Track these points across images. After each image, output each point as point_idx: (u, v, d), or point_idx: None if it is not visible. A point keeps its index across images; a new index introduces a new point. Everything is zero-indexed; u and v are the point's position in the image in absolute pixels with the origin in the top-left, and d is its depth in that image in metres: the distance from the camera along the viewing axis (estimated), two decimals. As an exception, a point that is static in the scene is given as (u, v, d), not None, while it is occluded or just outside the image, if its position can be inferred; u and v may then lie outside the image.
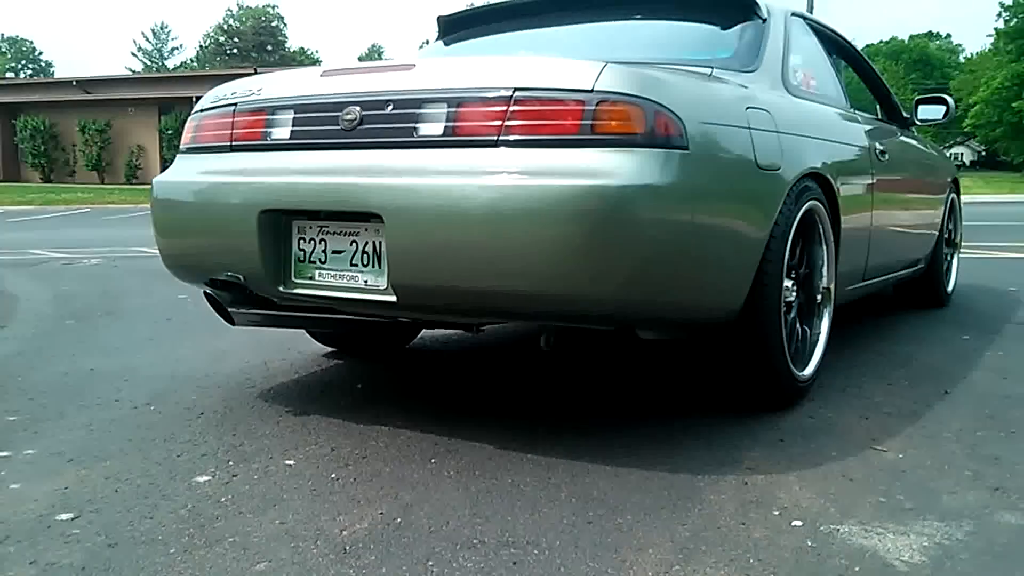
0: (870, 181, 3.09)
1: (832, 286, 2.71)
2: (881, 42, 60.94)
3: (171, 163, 2.63)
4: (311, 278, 2.25)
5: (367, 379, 2.91)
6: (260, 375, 2.94)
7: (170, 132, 26.12)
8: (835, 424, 2.38)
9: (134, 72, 46.00)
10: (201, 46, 69.33)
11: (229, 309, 2.46)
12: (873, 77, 3.92)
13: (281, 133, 2.29)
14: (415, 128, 2.07)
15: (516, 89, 1.97)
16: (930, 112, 4.02)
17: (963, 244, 4.93)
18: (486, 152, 1.97)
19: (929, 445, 2.21)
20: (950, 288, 4.55)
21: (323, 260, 2.23)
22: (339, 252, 2.21)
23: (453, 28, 3.42)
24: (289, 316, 2.50)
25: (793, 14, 3.06)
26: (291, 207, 2.22)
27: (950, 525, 1.72)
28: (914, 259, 3.92)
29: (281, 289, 2.29)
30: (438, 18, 3.41)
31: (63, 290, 5.20)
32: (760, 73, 2.61)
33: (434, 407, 2.59)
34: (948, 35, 72.02)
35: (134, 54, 70.28)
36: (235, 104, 2.41)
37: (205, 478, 1.98)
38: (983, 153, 63.00)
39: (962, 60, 64.03)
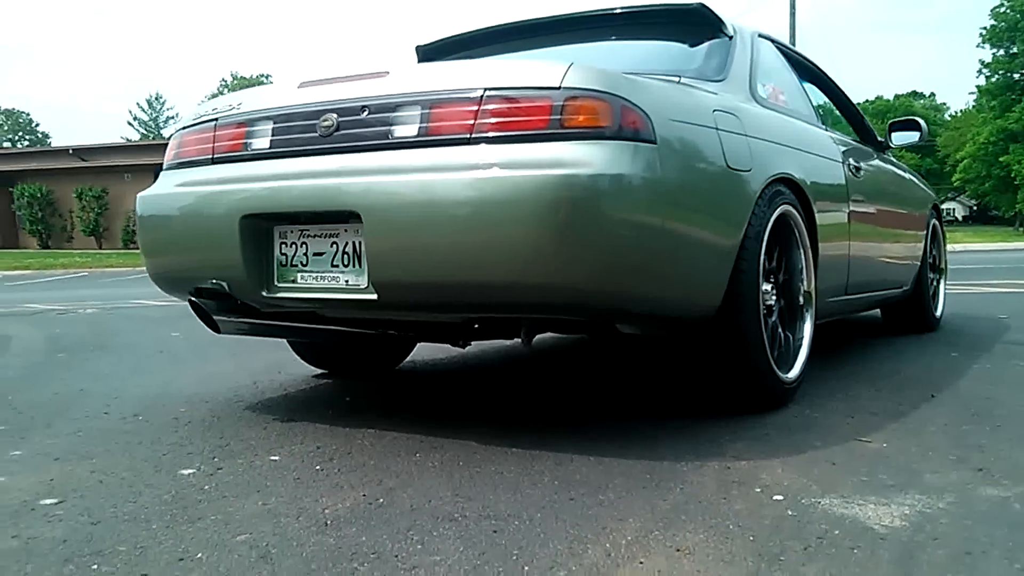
0: (844, 193, 3.15)
1: (812, 289, 2.75)
2: (867, 101, 61.97)
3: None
4: (293, 281, 2.29)
5: (355, 394, 2.92)
6: (249, 392, 2.95)
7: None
8: (820, 422, 2.39)
9: (129, 141, 46.54)
10: (197, 115, 70.08)
11: (215, 317, 2.48)
12: (845, 101, 4.01)
13: (261, 143, 2.34)
14: (390, 130, 2.12)
15: (487, 89, 2.03)
16: (905, 137, 4.11)
17: (956, 283, 4.98)
18: (459, 149, 2.02)
19: (914, 437, 2.22)
20: (938, 313, 4.59)
21: (304, 263, 2.27)
22: (320, 254, 2.25)
23: (430, 56, 3.52)
24: (273, 324, 2.53)
25: (760, 35, 3.16)
26: (272, 211, 2.26)
27: (932, 498, 1.72)
28: (898, 280, 3.97)
29: (264, 294, 2.32)
30: (416, 47, 3.52)
31: (56, 332, 5.22)
32: (727, 83, 2.69)
33: (421, 413, 2.59)
34: (932, 94, 73.29)
35: (130, 123, 71.25)
36: (216, 119, 2.47)
37: (190, 471, 1.98)
38: (975, 208, 63.73)
39: (947, 118, 65.09)
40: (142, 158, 28.63)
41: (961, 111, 59.22)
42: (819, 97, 3.87)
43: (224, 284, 2.35)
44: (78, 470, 2.00)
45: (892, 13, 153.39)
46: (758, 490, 1.78)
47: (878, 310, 4.52)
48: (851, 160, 3.36)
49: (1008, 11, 39.60)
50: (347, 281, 2.20)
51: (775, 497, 1.73)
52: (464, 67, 2.26)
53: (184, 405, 2.73)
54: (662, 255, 2.10)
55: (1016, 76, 41.28)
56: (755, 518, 1.61)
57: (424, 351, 3.73)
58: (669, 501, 1.71)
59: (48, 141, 74.01)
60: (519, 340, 2.45)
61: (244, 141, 2.38)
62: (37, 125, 79.44)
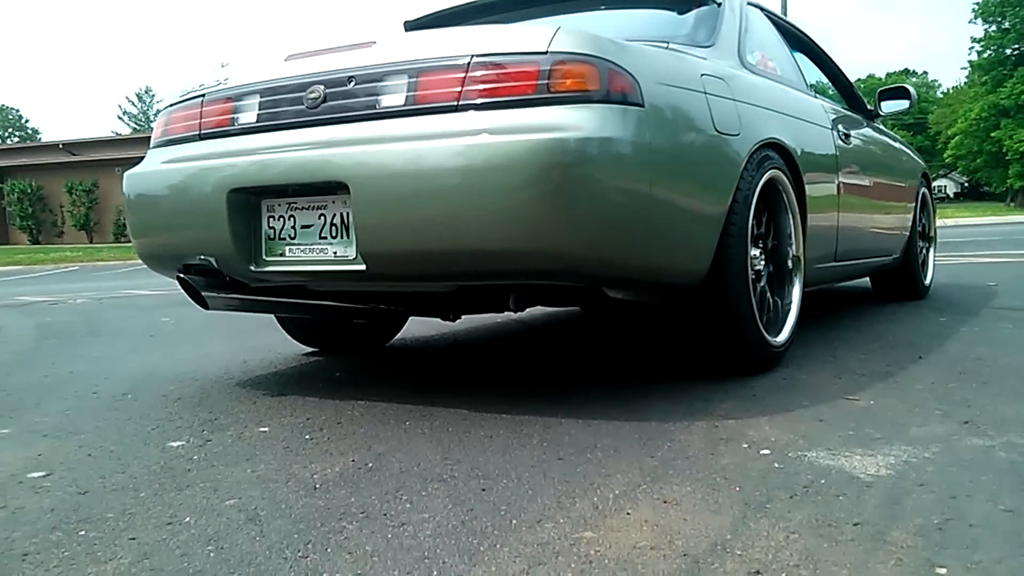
0: (834, 160, 3.15)
1: (801, 254, 2.75)
2: (859, 80, 61.94)
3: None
4: (282, 255, 2.28)
5: (346, 369, 2.92)
6: (239, 370, 2.95)
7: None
8: (808, 383, 2.40)
9: (119, 135, 46.30)
10: (187, 108, 69.85)
11: (203, 294, 2.48)
12: (835, 70, 4.00)
13: (248, 118, 2.33)
14: (377, 100, 2.11)
15: (474, 56, 2.02)
16: (894, 105, 4.10)
17: (947, 254, 4.99)
18: (447, 116, 2.01)
19: (901, 394, 2.23)
20: (928, 281, 4.60)
21: (293, 236, 2.26)
22: (308, 227, 2.24)
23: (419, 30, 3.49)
24: (262, 300, 2.52)
25: (750, 3, 3.15)
26: (259, 184, 2.25)
27: (918, 448, 1.73)
28: (887, 248, 3.97)
29: (252, 268, 2.31)
30: (404, 23, 3.50)
31: (47, 320, 5.20)
32: (716, 49, 2.68)
33: (411, 385, 2.59)
34: (925, 72, 73.31)
35: (120, 118, 71.03)
36: (203, 95, 2.46)
37: (179, 443, 1.98)
38: (966, 185, 63.80)
39: (939, 95, 65.10)
40: (132, 152, 28.46)
41: (953, 88, 59.24)
42: (809, 67, 3.87)
43: (212, 260, 2.35)
44: (66, 445, 2.00)
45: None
46: (745, 445, 1.78)
47: (868, 279, 4.53)
48: (840, 127, 3.36)
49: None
50: (335, 253, 2.19)
51: (762, 451, 1.74)
52: (451, 34, 2.24)
53: (174, 384, 2.72)
54: (650, 218, 2.09)
55: (1008, 51, 41.32)
56: (742, 471, 1.62)
57: (415, 329, 3.73)
58: (657, 458, 1.72)
59: (38, 136, 73.71)
60: (510, 314, 2.45)
61: (231, 116, 2.36)
62: (27, 121, 79.16)
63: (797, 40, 3.70)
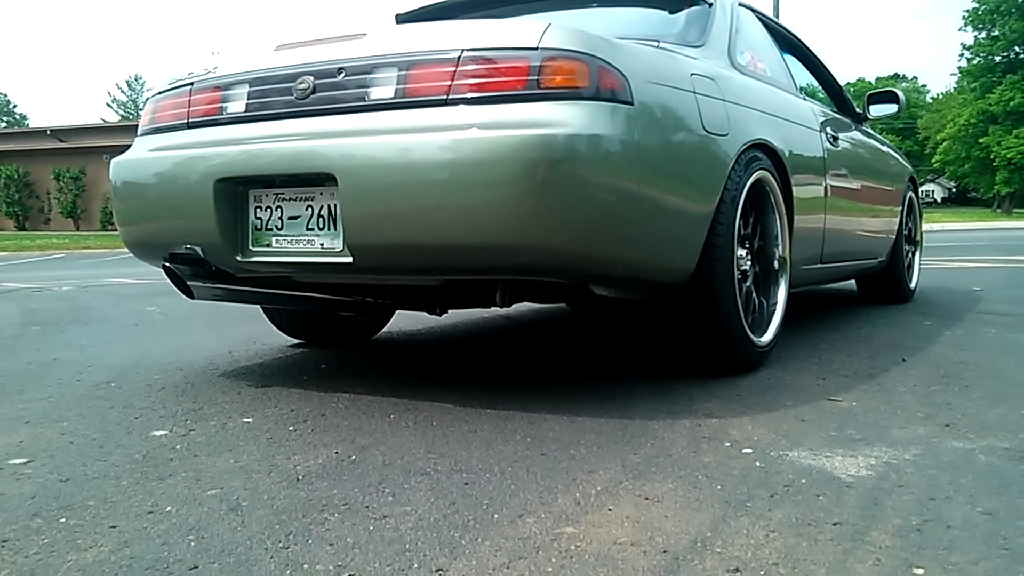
0: (821, 162, 3.17)
1: (787, 255, 2.76)
2: (849, 84, 62.16)
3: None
4: (268, 245, 2.27)
5: (331, 361, 2.91)
6: (224, 361, 2.94)
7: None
8: (792, 383, 2.42)
9: (108, 122, 46.05)
10: (177, 96, 69.50)
11: (189, 283, 2.46)
12: (825, 73, 4.02)
13: (236, 107, 2.32)
14: (367, 92, 2.11)
15: (464, 50, 2.02)
16: (883, 109, 4.12)
17: (934, 259, 5.02)
18: (436, 111, 2.01)
19: (884, 396, 2.25)
20: (913, 285, 4.63)
21: (280, 227, 2.26)
22: (295, 218, 2.23)
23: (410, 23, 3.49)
24: (248, 290, 2.52)
25: (741, 4, 3.16)
26: (247, 174, 2.24)
27: (898, 450, 1.75)
28: (873, 251, 3.99)
29: (239, 259, 2.30)
30: (396, 16, 3.49)
31: (31, 307, 5.17)
32: (706, 49, 2.68)
33: (397, 378, 2.59)
34: (915, 77, 73.66)
35: (109, 105, 70.68)
36: (191, 84, 2.45)
37: (162, 432, 1.98)
38: (953, 190, 64.18)
39: (929, 100, 65.41)
40: (121, 139, 28.29)
41: (942, 94, 59.55)
42: (799, 69, 3.88)
43: (198, 249, 2.34)
44: (48, 432, 1.99)
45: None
46: (728, 444, 1.79)
47: (853, 282, 4.56)
48: (829, 130, 3.37)
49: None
50: (322, 244, 2.19)
51: (744, 450, 1.75)
52: (441, 28, 2.24)
53: (158, 373, 2.71)
54: (637, 216, 2.10)
55: (997, 58, 41.59)
56: (724, 469, 1.63)
57: (402, 323, 3.72)
58: (640, 455, 1.72)
59: (26, 122, 73.13)
60: (497, 310, 2.45)
61: (219, 105, 2.35)
62: (15, 106, 78.55)
63: (787, 42, 3.72)
